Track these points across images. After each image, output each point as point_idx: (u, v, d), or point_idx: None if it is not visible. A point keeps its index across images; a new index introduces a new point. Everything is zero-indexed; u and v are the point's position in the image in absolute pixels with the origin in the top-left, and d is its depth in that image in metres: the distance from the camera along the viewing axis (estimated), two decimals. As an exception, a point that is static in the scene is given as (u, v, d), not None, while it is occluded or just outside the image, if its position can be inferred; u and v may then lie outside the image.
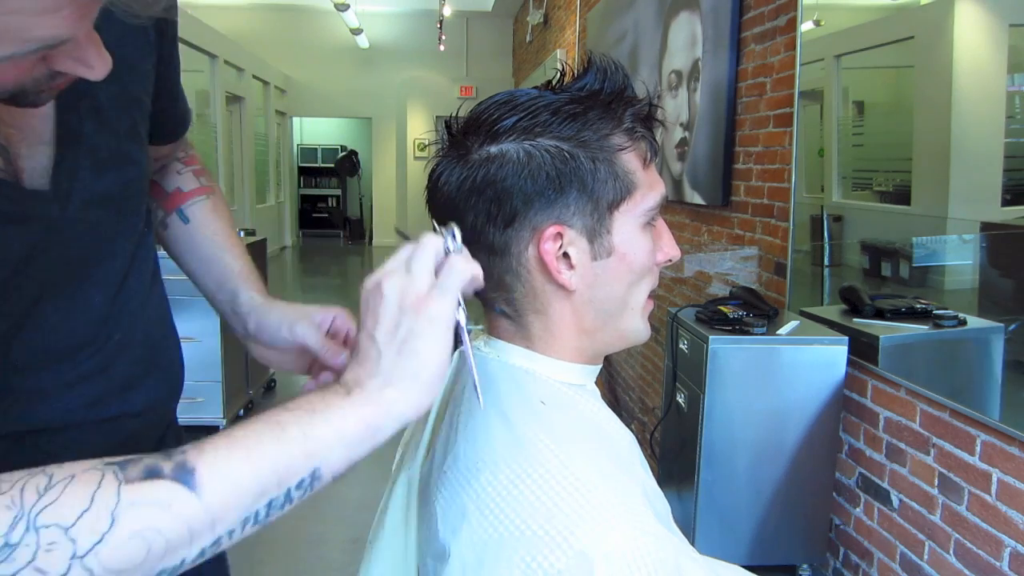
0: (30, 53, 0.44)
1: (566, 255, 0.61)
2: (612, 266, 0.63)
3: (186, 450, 0.46)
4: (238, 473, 0.46)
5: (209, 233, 0.90)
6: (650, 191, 0.63)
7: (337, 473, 0.50)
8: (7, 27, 0.41)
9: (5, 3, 0.41)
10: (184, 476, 0.45)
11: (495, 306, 0.66)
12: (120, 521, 0.42)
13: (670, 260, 0.67)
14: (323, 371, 0.77)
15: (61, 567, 0.41)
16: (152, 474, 0.44)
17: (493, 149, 0.60)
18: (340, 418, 0.50)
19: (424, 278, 0.53)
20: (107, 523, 0.42)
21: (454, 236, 0.56)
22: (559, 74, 0.64)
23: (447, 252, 0.55)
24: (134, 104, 0.73)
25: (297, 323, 0.78)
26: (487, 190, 0.60)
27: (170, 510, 0.44)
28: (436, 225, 0.59)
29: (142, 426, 0.77)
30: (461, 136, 0.63)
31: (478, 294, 0.68)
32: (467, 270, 0.55)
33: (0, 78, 0.45)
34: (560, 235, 0.60)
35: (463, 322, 0.56)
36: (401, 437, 0.77)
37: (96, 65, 0.47)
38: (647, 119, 0.64)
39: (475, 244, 0.62)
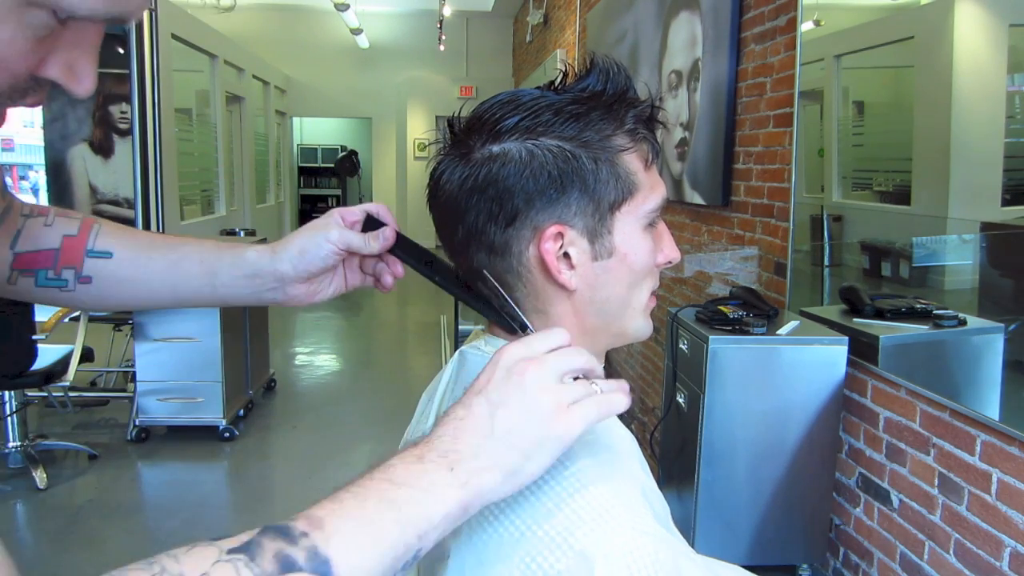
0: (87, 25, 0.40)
1: (567, 255, 0.61)
2: (613, 267, 0.63)
3: (308, 532, 0.43)
4: (369, 563, 0.45)
5: (146, 242, 0.78)
6: (651, 193, 0.63)
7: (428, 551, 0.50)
8: None
9: None
10: (323, 569, 0.43)
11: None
12: None
13: (670, 262, 0.67)
14: (376, 278, 0.75)
15: None
16: (288, 567, 0.42)
17: (495, 148, 0.61)
18: (444, 499, 0.48)
19: (572, 394, 0.52)
20: None
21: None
22: (561, 75, 0.64)
23: (583, 376, 0.55)
24: None
25: (329, 230, 0.72)
26: (489, 189, 0.60)
27: None
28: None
29: None
30: (463, 135, 0.63)
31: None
32: (614, 410, 0.53)
33: None
34: (561, 235, 0.60)
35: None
36: (402, 436, 0.77)
37: (85, 80, 0.43)
38: (649, 121, 0.64)
39: (476, 243, 0.62)
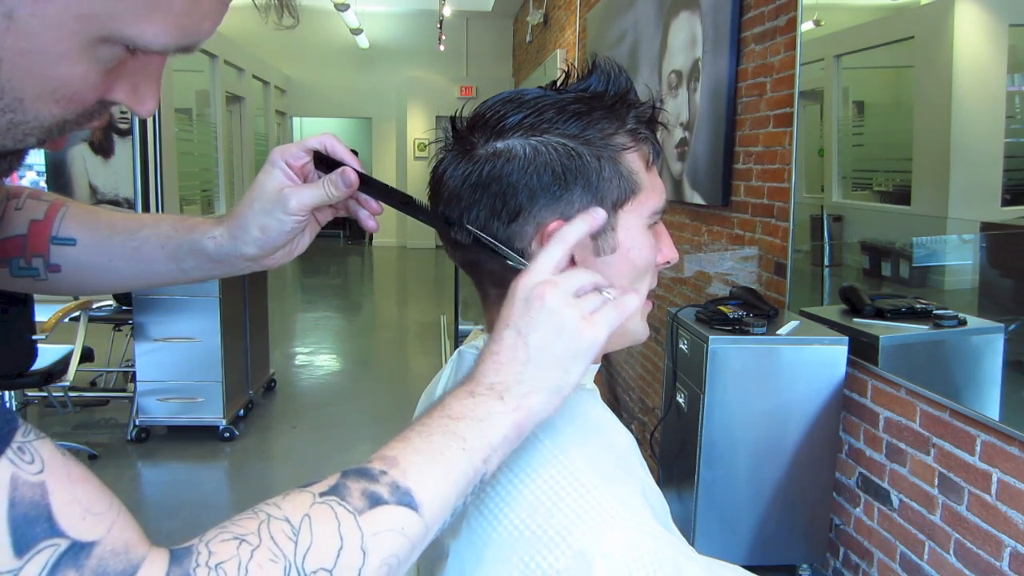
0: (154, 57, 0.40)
1: (577, 268, 0.61)
2: (616, 263, 0.63)
3: (386, 471, 0.48)
4: (444, 490, 0.49)
5: (107, 226, 0.73)
6: (653, 194, 0.64)
7: (493, 474, 0.53)
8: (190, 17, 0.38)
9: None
10: (407, 499, 0.47)
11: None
12: (370, 553, 0.45)
13: (668, 262, 0.68)
14: (351, 215, 0.70)
15: None
16: (376, 501, 0.46)
17: (499, 145, 0.61)
18: (501, 425, 0.52)
19: (590, 305, 0.56)
20: (360, 558, 0.44)
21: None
22: (563, 75, 0.65)
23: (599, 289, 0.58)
24: None
25: (286, 202, 0.65)
26: (492, 185, 0.60)
27: (404, 533, 0.46)
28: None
29: None
30: (466, 132, 0.63)
31: (479, 291, 0.68)
32: (630, 310, 0.57)
33: (66, 96, 0.39)
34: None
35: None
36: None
37: (149, 102, 0.44)
38: (650, 122, 0.64)
39: (478, 239, 0.62)
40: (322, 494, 0.45)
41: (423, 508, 0.47)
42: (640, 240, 0.63)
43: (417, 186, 10.37)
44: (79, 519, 0.37)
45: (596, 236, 0.62)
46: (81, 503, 0.38)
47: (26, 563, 0.35)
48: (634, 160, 0.63)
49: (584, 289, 0.56)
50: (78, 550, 0.36)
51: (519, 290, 0.56)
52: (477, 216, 0.61)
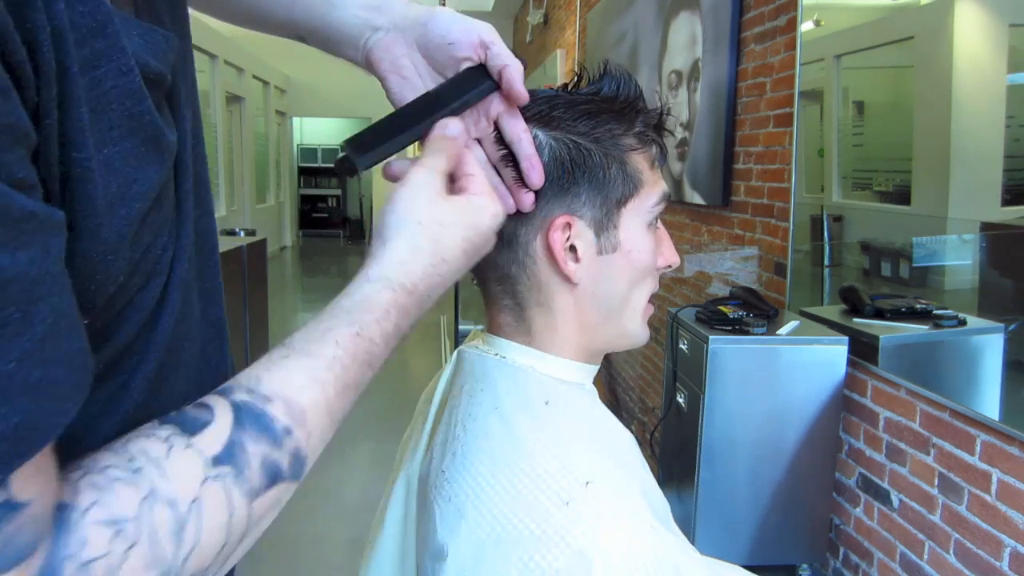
0: None
1: (572, 248, 0.62)
2: (617, 262, 0.64)
3: (291, 430, 0.41)
4: (328, 435, 0.44)
5: None
6: (653, 188, 0.65)
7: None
8: None
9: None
10: (299, 471, 0.42)
11: (499, 299, 0.67)
12: (247, 538, 0.40)
13: (670, 266, 0.68)
14: None
15: None
16: (274, 478, 0.40)
17: None
18: (409, 270, 0.50)
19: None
20: (237, 548, 0.40)
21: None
22: (576, 77, 0.66)
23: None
24: None
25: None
26: None
27: (279, 506, 0.42)
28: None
29: None
30: None
31: (482, 289, 0.68)
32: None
33: None
34: (569, 225, 0.62)
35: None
36: (402, 436, 0.77)
37: None
38: (657, 126, 0.65)
39: None
40: (215, 460, 0.38)
41: (304, 476, 0.42)
42: (641, 241, 0.64)
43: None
44: (27, 474, 0.31)
45: (599, 234, 0.62)
46: (40, 456, 0.32)
47: None
48: (640, 160, 0.64)
49: (434, 152, 0.56)
50: (7, 510, 0.31)
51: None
52: None
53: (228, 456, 0.38)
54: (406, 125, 0.59)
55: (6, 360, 0.29)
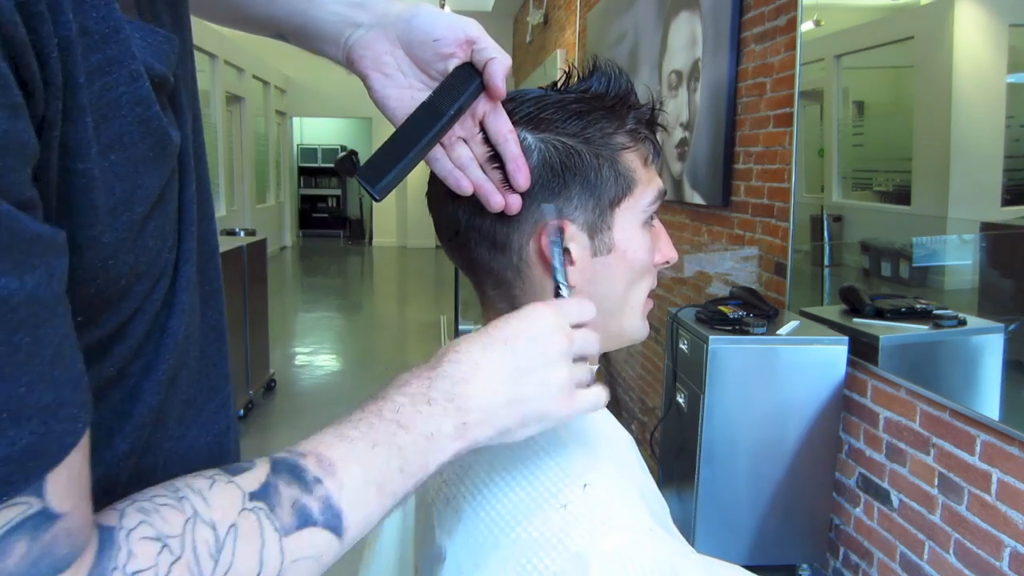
0: None
1: (567, 251, 0.61)
2: (612, 263, 0.63)
3: (322, 479, 0.42)
4: (372, 515, 0.44)
5: None
6: (648, 187, 0.64)
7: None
8: None
9: None
10: (334, 523, 0.42)
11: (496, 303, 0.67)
12: None
13: (667, 262, 0.68)
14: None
15: None
16: (305, 521, 0.41)
17: None
18: (443, 451, 0.48)
19: (580, 377, 0.53)
20: None
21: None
22: (564, 75, 0.65)
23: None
24: None
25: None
26: None
27: (320, 561, 0.42)
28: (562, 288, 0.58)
29: None
30: None
31: (478, 292, 0.68)
32: (602, 405, 0.54)
33: None
34: (561, 229, 0.61)
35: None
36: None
37: None
38: (650, 122, 0.64)
39: (476, 238, 0.62)
40: (252, 495, 0.40)
41: (346, 535, 0.43)
42: (636, 241, 0.63)
43: (418, 186, 10.37)
44: (63, 485, 0.33)
45: (593, 236, 0.62)
46: (71, 468, 0.33)
47: None
48: (632, 159, 0.63)
49: (586, 353, 0.54)
50: (43, 519, 0.32)
51: (539, 323, 0.52)
52: (479, 210, 0.62)
53: (263, 493, 0.41)
54: (411, 143, 0.58)
55: (17, 384, 0.30)
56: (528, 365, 0.50)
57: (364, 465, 0.44)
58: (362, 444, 0.45)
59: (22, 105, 0.31)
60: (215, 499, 0.39)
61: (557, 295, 0.57)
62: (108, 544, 0.35)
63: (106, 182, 0.37)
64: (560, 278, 0.57)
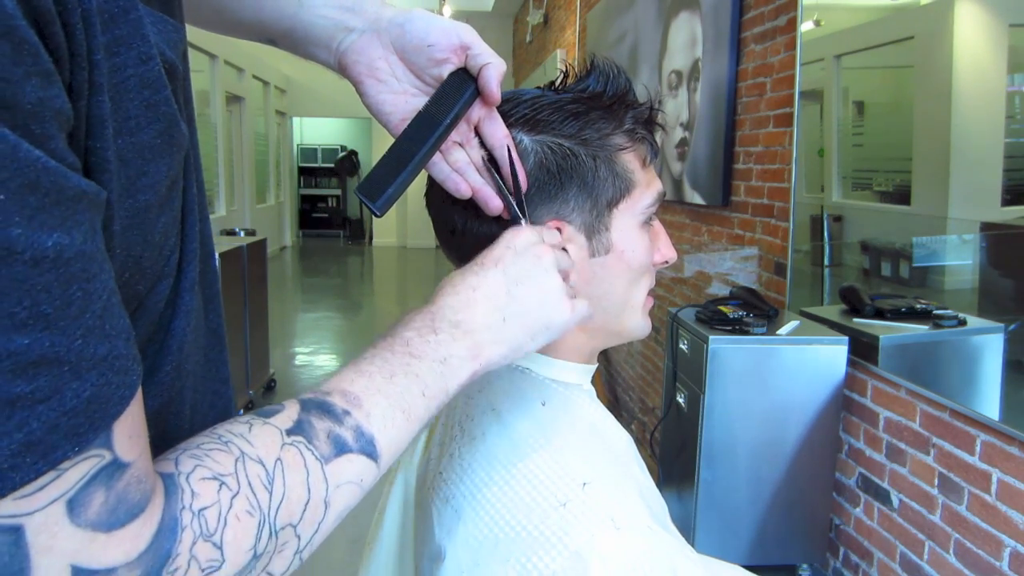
0: None
1: (564, 251, 0.61)
2: (610, 264, 0.63)
3: (350, 411, 0.45)
4: (402, 438, 0.47)
5: None
6: (647, 189, 0.63)
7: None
8: None
9: None
10: (369, 448, 0.45)
11: None
12: (331, 506, 0.43)
13: (666, 262, 0.68)
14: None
15: (285, 566, 0.41)
16: (342, 448, 0.44)
17: None
18: (460, 373, 0.50)
19: (568, 287, 0.56)
20: (322, 512, 0.42)
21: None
22: (562, 75, 0.65)
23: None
24: None
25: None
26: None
27: (361, 485, 0.45)
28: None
29: None
30: None
31: None
32: (587, 316, 0.58)
33: None
34: (559, 231, 0.61)
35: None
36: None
37: None
38: (648, 122, 0.64)
39: (474, 239, 0.62)
40: (288, 431, 0.42)
41: (382, 458, 0.45)
42: (634, 241, 0.63)
43: (417, 186, 10.36)
44: (126, 436, 0.34)
45: (591, 237, 0.62)
46: (131, 418, 0.35)
47: (71, 467, 0.32)
48: (630, 159, 0.63)
49: (563, 265, 0.56)
50: (115, 469, 0.33)
51: (519, 239, 0.54)
52: (476, 212, 0.61)
53: (299, 429, 0.43)
54: (409, 155, 0.58)
55: (73, 337, 0.31)
56: (522, 277, 0.53)
57: (386, 394, 0.47)
58: (380, 376, 0.47)
59: (54, 72, 0.31)
60: (256, 439, 0.41)
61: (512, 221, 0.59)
62: (172, 488, 0.37)
63: (116, 166, 0.37)
64: (515, 210, 0.59)
